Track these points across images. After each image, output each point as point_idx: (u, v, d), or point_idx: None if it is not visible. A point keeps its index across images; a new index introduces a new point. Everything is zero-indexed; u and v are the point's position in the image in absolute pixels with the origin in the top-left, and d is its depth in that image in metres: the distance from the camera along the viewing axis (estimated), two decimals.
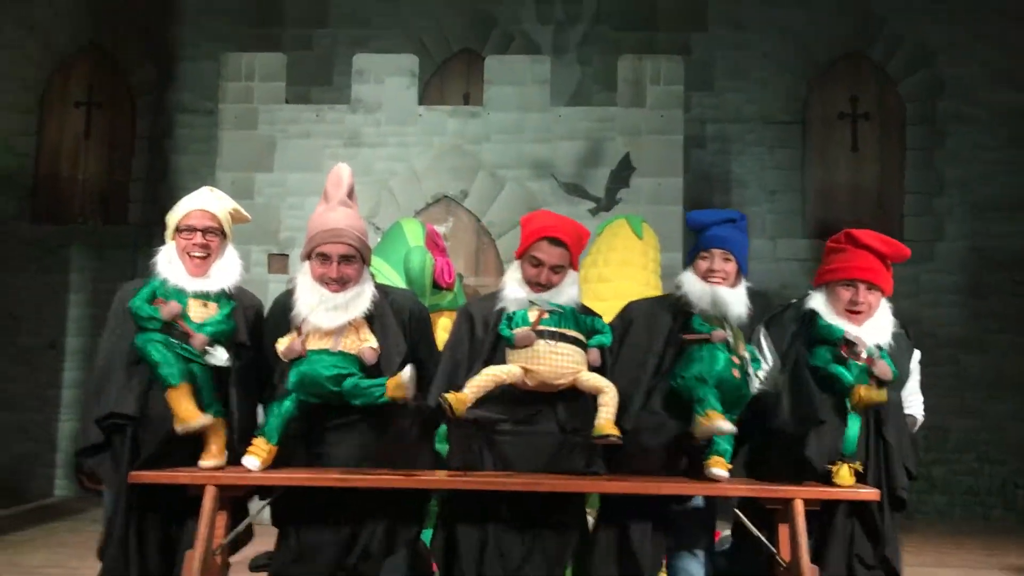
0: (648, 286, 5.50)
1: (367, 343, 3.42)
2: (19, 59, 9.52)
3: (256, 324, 3.67)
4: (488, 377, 3.35)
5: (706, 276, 3.56)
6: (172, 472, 3.36)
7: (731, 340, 3.46)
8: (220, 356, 3.42)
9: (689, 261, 3.66)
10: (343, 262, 3.44)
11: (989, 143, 9.11)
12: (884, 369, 3.44)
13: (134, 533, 3.38)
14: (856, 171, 9.35)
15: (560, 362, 3.39)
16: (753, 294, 3.65)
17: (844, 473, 3.42)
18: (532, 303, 3.48)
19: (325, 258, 3.44)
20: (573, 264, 3.61)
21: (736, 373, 3.42)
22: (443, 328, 4.30)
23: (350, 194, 3.57)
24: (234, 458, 3.43)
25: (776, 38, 9.34)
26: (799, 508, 3.34)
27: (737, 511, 3.61)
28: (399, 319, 3.58)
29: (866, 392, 3.38)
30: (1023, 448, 8.73)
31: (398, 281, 5.15)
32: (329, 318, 3.39)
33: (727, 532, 3.91)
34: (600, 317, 3.62)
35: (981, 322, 8.91)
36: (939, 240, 9.09)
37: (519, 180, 7.74)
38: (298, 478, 3.39)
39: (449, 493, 3.60)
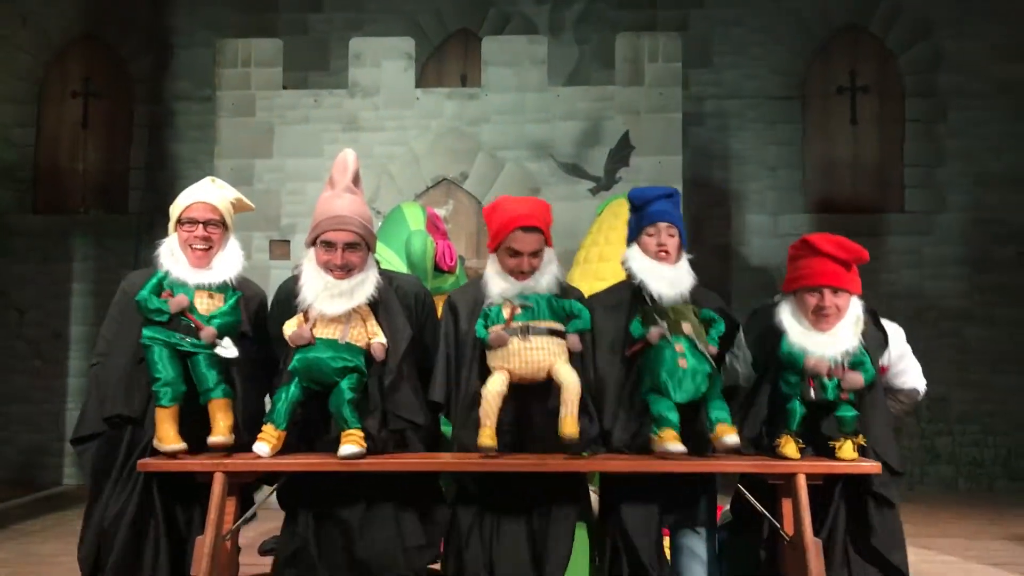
0: None
1: (376, 338, 3.44)
2: (15, 50, 9.50)
3: (259, 314, 3.69)
4: (493, 399, 3.37)
5: (655, 252, 3.59)
6: (180, 460, 3.39)
7: (667, 330, 3.47)
8: (229, 349, 3.44)
9: (633, 237, 3.69)
10: (348, 249, 3.45)
11: (989, 115, 9.08)
12: (853, 381, 3.46)
13: (139, 521, 3.42)
14: (856, 145, 9.33)
15: (534, 357, 3.41)
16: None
17: (847, 448, 3.44)
18: (505, 300, 3.49)
19: (330, 245, 3.46)
20: (548, 241, 3.61)
21: (683, 362, 3.45)
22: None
23: (355, 180, 3.57)
24: (241, 446, 3.47)
25: (774, 13, 9.29)
26: (802, 482, 3.37)
27: (740, 486, 3.64)
28: (404, 304, 3.60)
29: (785, 444, 3.44)
30: None
31: (400, 265, 5.17)
32: (334, 304, 3.41)
33: (727, 507, 3.94)
34: (581, 298, 3.62)
35: (983, 294, 8.92)
36: (940, 212, 9.08)
37: (518, 161, 7.73)
38: (305, 463, 3.42)
39: (456, 475, 3.63)
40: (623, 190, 7.16)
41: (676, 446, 3.36)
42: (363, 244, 3.49)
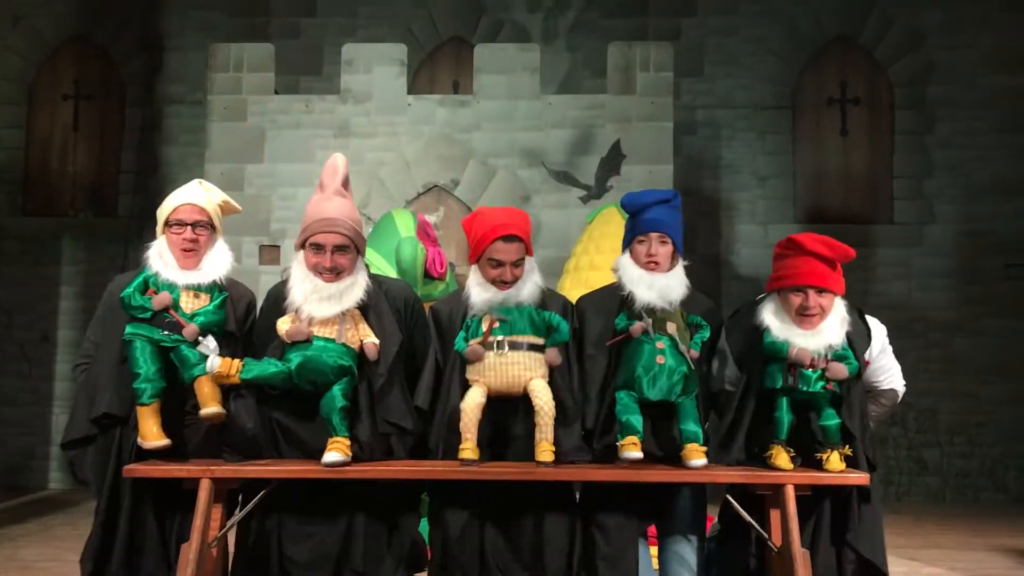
0: None
1: (368, 339, 3.44)
2: (6, 52, 9.47)
3: (247, 316, 3.68)
4: (471, 412, 3.37)
5: (645, 261, 3.59)
6: (167, 465, 3.37)
7: (651, 328, 3.47)
8: (211, 346, 3.43)
9: (626, 245, 3.69)
10: (337, 252, 3.45)
11: (979, 127, 9.14)
12: (837, 371, 3.46)
13: (125, 525, 3.40)
14: (846, 156, 9.37)
15: (511, 372, 3.41)
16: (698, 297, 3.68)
17: (835, 459, 3.45)
18: (487, 311, 3.48)
19: (319, 248, 3.45)
20: (528, 250, 3.61)
21: (661, 359, 3.45)
22: None
23: (345, 184, 3.58)
24: (218, 448, 3.46)
25: (766, 23, 9.33)
26: (790, 493, 3.37)
27: (728, 496, 3.64)
28: (394, 309, 3.60)
29: (777, 455, 3.43)
30: (1013, 431, 8.79)
31: (390, 271, 5.17)
32: (322, 308, 3.40)
33: (717, 518, 3.94)
34: (564, 307, 3.61)
35: (971, 305, 8.96)
36: (929, 223, 9.12)
37: (510, 168, 7.74)
38: (293, 471, 3.40)
39: (439, 483, 3.63)
40: (614, 198, 7.18)
41: (634, 453, 3.36)
42: (352, 247, 3.49)
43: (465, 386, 3.48)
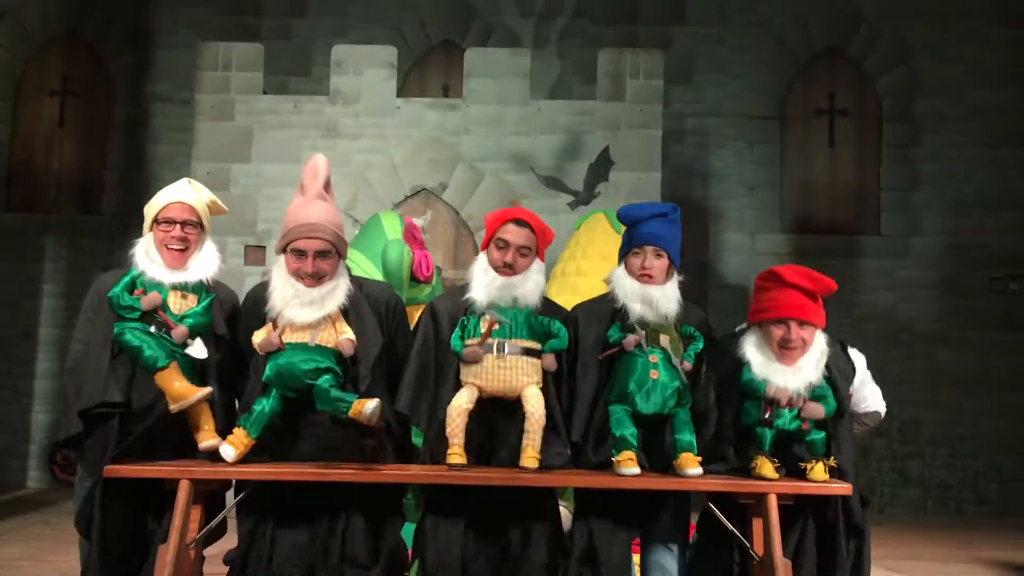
0: None
1: (344, 335, 3.41)
2: None
3: (232, 317, 3.65)
4: (458, 417, 3.34)
5: (639, 274, 3.57)
6: (146, 466, 3.33)
7: (644, 342, 3.46)
8: (199, 349, 3.40)
9: (621, 257, 3.67)
10: (318, 257, 3.42)
11: (965, 140, 9.19)
12: (813, 411, 3.45)
13: (109, 525, 3.36)
14: (833, 167, 9.41)
15: (507, 376, 3.39)
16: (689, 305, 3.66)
17: (819, 470, 3.44)
18: (484, 312, 3.46)
19: (300, 253, 3.42)
20: (539, 254, 3.59)
21: (654, 374, 3.44)
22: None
23: (327, 186, 3.54)
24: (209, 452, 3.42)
25: (756, 33, 9.37)
26: (773, 502, 3.36)
27: (711, 505, 3.63)
28: (375, 312, 3.58)
29: (762, 465, 3.42)
30: (996, 443, 8.83)
31: (375, 274, 5.13)
32: (304, 313, 3.37)
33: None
34: (557, 319, 3.57)
35: (956, 318, 9.00)
36: (915, 236, 9.17)
37: (498, 173, 7.73)
38: (274, 472, 3.37)
39: (425, 488, 3.60)
40: (602, 205, 7.18)
41: (631, 469, 3.35)
42: (334, 252, 3.46)
43: (460, 386, 3.45)
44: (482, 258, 3.60)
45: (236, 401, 3.65)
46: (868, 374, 3.92)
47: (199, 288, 3.48)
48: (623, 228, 5.92)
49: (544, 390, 3.44)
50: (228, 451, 3.30)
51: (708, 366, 3.66)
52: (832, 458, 3.47)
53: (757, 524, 3.44)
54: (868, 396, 3.89)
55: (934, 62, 9.24)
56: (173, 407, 3.30)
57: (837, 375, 3.57)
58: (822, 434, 3.47)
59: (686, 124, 9.26)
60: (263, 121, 7.74)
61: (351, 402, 3.28)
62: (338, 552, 3.46)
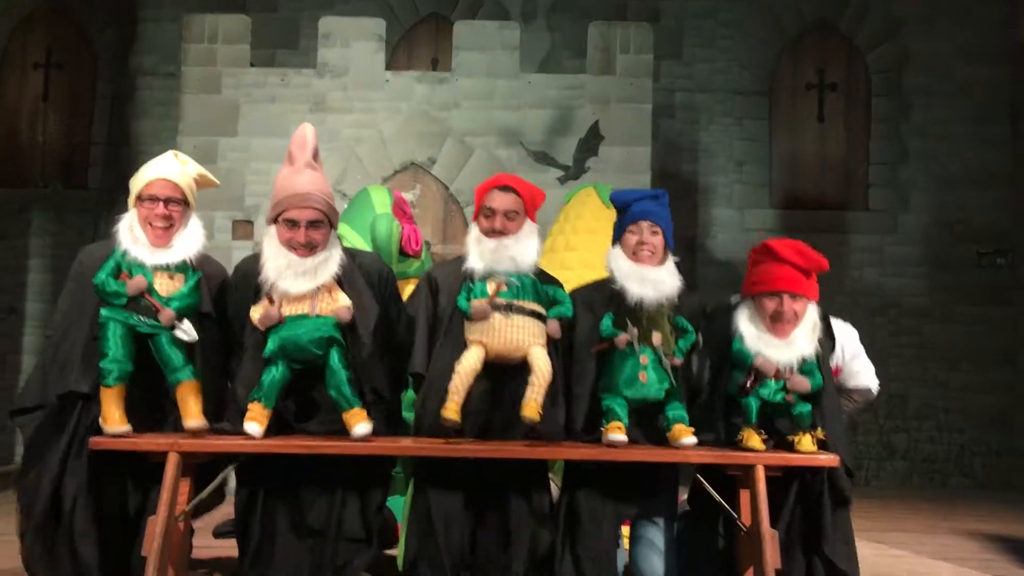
0: None
1: (340, 303, 3.40)
2: None
3: (221, 293, 3.63)
4: (465, 376, 3.33)
5: (635, 250, 3.57)
6: (133, 439, 3.33)
7: (636, 338, 3.46)
8: (188, 331, 3.38)
9: (616, 238, 3.67)
10: (311, 227, 3.41)
11: (954, 116, 9.20)
12: (798, 383, 3.47)
13: (92, 502, 3.35)
14: (822, 142, 9.41)
15: (515, 335, 3.38)
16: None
17: (806, 441, 3.47)
18: (490, 275, 3.46)
19: (292, 223, 3.41)
20: (529, 215, 3.59)
21: (643, 376, 3.45)
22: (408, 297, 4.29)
23: (315, 156, 3.52)
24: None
25: (745, 7, 9.33)
26: (760, 474, 3.39)
27: (699, 476, 3.65)
28: (368, 282, 3.57)
29: (749, 437, 3.44)
30: (981, 417, 8.91)
31: (364, 248, 5.12)
32: (297, 283, 3.36)
33: (683, 497, 3.96)
34: (561, 287, 3.60)
35: (944, 293, 9.05)
36: (903, 211, 9.19)
37: (487, 147, 7.70)
38: (263, 445, 3.37)
39: (418, 460, 3.61)
40: (591, 179, 7.16)
41: (619, 436, 3.37)
42: (326, 221, 3.45)
43: (460, 349, 3.45)
44: (473, 228, 3.60)
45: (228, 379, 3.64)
46: (861, 348, 3.93)
47: (184, 267, 3.45)
48: (612, 203, 5.93)
49: (550, 356, 3.44)
50: (254, 428, 3.28)
51: (703, 338, 3.67)
52: (820, 430, 3.49)
53: (745, 496, 3.47)
54: (860, 370, 3.90)
55: (924, 37, 9.22)
56: (101, 424, 3.28)
57: (820, 350, 3.60)
58: (808, 406, 3.50)
59: (675, 99, 9.23)
60: (250, 94, 7.67)
61: (349, 409, 3.31)
62: (334, 528, 3.47)
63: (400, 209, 5.51)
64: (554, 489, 3.80)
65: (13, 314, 8.99)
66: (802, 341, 3.48)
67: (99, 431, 3.34)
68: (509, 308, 3.40)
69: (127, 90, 9.30)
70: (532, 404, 3.32)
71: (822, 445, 3.50)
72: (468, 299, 3.43)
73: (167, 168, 3.51)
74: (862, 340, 4.09)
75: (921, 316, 9.01)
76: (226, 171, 7.44)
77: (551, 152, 7.68)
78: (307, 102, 7.65)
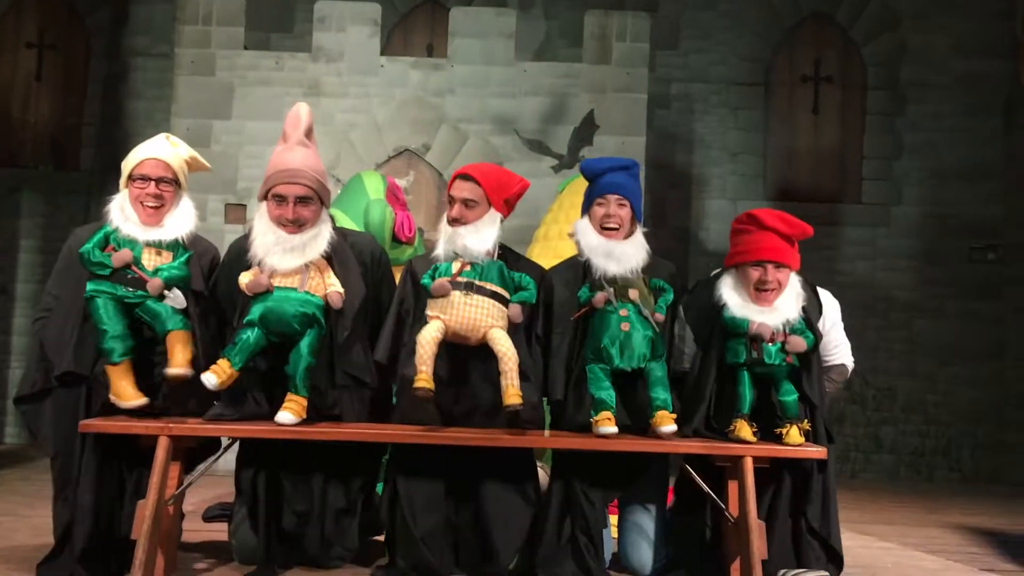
0: None
1: (332, 287, 3.40)
2: None
3: (211, 272, 3.63)
4: (427, 345, 3.34)
5: (602, 223, 3.60)
6: (125, 422, 3.32)
7: (613, 298, 3.49)
8: (178, 299, 3.38)
9: (585, 209, 3.70)
10: (299, 204, 3.41)
11: (949, 110, 9.20)
12: (796, 343, 3.53)
13: (89, 484, 3.36)
14: (817, 134, 9.41)
15: (472, 314, 3.40)
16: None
17: (794, 433, 3.49)
18: (457, 255, 3.48)
19: (281, 199, 3.41)
20: (494, 203, 3.59)
21: (626, 326, 3.47)
22: None
23: (308, 134, 3.53)
24: (185, 409, 3.42)
25: None
26: (748, 465, 3.41)
27: (686, 466, 3.67)
28: (360, 262, 3.59)
29: (740, 428, 3.47)
30: (969, 411, 8.95)
31: None
32: (285, 260, 3.37)
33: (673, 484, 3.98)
34: (528, 274, 3.60)
35: (934, 287, 9.07)
36: (896, 205, 9.20)
37: (482, 135, 7.68)
38: (253, 430, 3.38)
39: (397, 447, 3.62)
40: None
41: (609, 428, 3.39)
42: (316, 198, 3.45)
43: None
44: (444, 216, 3.65)
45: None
46: (840, 320, 3.97)
47: (175, 245, 3.44)
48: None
49: (514, 341, 3.45)
50: (210, 379, 3.27)
51: (685, 311, 3.70)
52: (806, 421, 3.52)
53: (733, 486, 3.49)
54: (837, 342, 3.92)
55: (920, 30, 9.21)
56: (115, 402, 3.28)
57: (809, 312, 3.65)
58: (795, 395, 3.53)
59: (671, 89, 9.21)
60: (244, 77, 7.63)
61: (294, 394, 3.32)
62: (316, 510, 3.49)
63: (393, 195, 5.51)
64: (542, 475, 3.82)
65: (3, 295, 8.95)
66: (786, 307, 3.53)
67: (109, 410, 3.33)
68: (469, 287, 3.42)
69: (120, 71, 9.23)
70: (511, 390, 3.34)
71: (808, 436, 3.53)
72: (432, 278, 3.46)
73: (159, 149, 3.51)
74: (852, 333, 4.11)
75: (911, 310, 9.03)
76: (220, 154, 7.41)
77: (546, 141, 7.67)
78: (301, 86, 7.61)
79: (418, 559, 3.45)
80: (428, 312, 3.43)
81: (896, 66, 9.27)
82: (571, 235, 3.71)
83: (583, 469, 3.62)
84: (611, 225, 3.61)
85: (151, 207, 3.44)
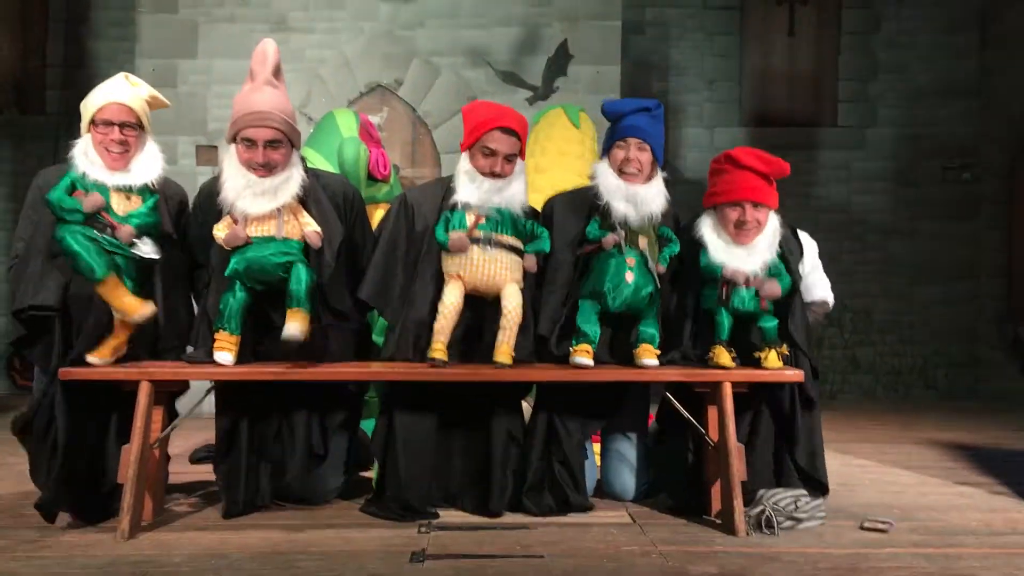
0: (585, 176, 5.47)
1: (309, 227, 3.37)
2: None
3: (181, 215, 3.59)
4: (449, 316, 3.35)
5: (622, 167, 3.56)
6: (104, 368, 3.32)
7: (623, 241, 3.48)
8: (148, 248, 3.34)
9: (605, 151, 3.65)
10: (269, 147, 3.36)
11: (924, 28, 9.14)
12: (771, 289, 3.53)
13: (64, 428, 3.35)
14: (793, 57, 9.33)
15: (492, 270, 3.39)
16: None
17: (772, 357, 3.53)
18: (469, 206, 3.44)
19: (251, 143, 3.35)
20: (522, 153, 3.57)
21: (630, 276, 3.46)
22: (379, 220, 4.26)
23: (276, 73, 3.44)
24: (168, 351, 3.42)
25: None
26: (727, 390, 3.46)
27: (667, 394, 3.72)
28: (334, 204, 3.54)
29: (719, 354, 3.50)
30: (944, 330, 9.08)
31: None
32: (257, 204, 3.33)
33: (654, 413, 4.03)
34: (539, 223, 3.59)
35: (909, 208, 9.12)
36: (871, 126, 9.19)
37: (454, 68, 7.56)
38: (235, 372, 3.38)
39: (388, 385, 3.63)
40: (560, 100, 7.08)
41: (584, 360, 3.42)
42: (286, 140, 3.39)
43: (439, 279, 3.44)
44: (465, 161, 3.53)
45: (194, 302, 3.62)
46: (819, 261, 4.00)
47: (144, 190, 3.39)
48: (582, 123, 5.88)
49: (523, 291, 3.45)
50: (225, 357, 3.28)
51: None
52: (784, 345, 3.56)
53: (712, 412, 3.54)
54: (817, 282, 3.97)
55: None
56: (124, 318, 3.24)
57: (788, 254, 3.66)
58: (775, 322, 3.56)
59: (646, 15, 9.09)
60: (209, 14, 7.45)
61: (295, 308, 3.27)
62: (303, 449, 3.52)
63: (367, 133, 5.43)
64: (525, 407, 3.87)
65: None
66: (764, 247, 3.54)
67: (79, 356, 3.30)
68: (488, 241, 3.40)
69: (80, 10, 8.98)
70: (504, 348, 3.36)
71: (787, 360, 3.57)
72: (446, 230, 3.42)
73: (119, 91, 3.42)
74: (828, 256, 4.15)
75: (886, 232, 9.10)
76: (187, 95, 7.28)
77: (519, 72, 7.56)
78: (267, 22, 7.44)
79: (409, 494, 3.49)
80: (446, 270, 3.40)
81: None
82: (591, 177, 3.65)
83: (562, 401, 3.66)
84: (631, 170, 3.55)
85: (117, 152, 3.37)
